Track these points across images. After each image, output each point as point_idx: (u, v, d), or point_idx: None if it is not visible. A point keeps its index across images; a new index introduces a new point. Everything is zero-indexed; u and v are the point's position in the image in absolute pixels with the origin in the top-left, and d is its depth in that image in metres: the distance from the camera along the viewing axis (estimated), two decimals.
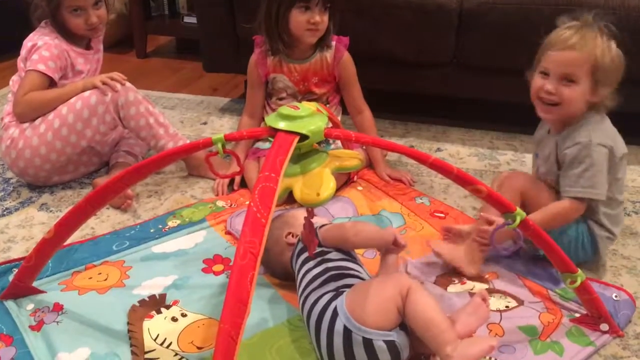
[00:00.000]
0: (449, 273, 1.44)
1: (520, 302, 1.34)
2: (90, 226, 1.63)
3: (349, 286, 1.15)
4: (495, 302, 1.33)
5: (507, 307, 1.32)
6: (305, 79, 1.82)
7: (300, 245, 1.28)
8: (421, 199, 1.75)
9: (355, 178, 1.85)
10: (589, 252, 1.42)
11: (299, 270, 1.24)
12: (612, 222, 1.42)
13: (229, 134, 1.08)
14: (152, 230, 1.59)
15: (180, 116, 2.37)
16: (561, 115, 1.37)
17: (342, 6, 1.81)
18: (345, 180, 1.81)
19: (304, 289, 1.19)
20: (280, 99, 1.86)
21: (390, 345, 1.07)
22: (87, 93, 1.74)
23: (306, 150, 1.09)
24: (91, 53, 1.91)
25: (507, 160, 2.03)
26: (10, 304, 1.31)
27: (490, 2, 1.97)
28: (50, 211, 1.72)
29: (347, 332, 1.07)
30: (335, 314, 1.09)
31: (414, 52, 2.08)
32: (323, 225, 1.29)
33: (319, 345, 1.12)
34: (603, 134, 1.35)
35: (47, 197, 1.79)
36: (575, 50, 1.31)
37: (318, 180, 1.06)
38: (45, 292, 1.34)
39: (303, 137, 1.05)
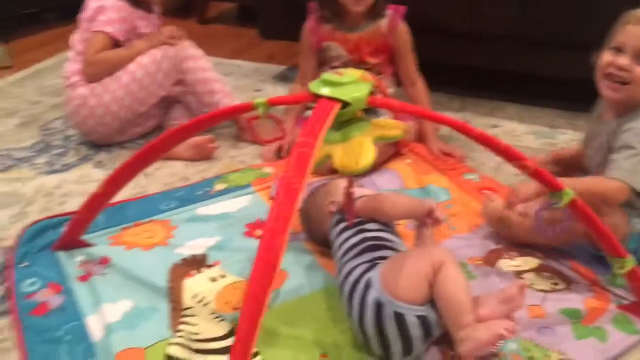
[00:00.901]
0: (498, 248, 1.40)
1: (568, 284, 1.29)
2: (141, 185, 1.68)
3: (384, 258, 1.14)
4: (542, 282, 1.29)
5: (552, 288, 1.28)
6: (358, 48, 1.79)
7: (338, 215, 1.28)
8: (471, 174, 1.71)
9: (404, 151, 1.82)
10: None
11: (336, 239, 1.23)
12: None
13: (272, 98, 1.08)
14: (198, 193, 1.62)
15: (235, 83, 2.39)
16: (629, 96, 1.26)
17: None
18: (393, 152, 1.79)
19: (340, 258, 1.19)
20: (333, 67, 1.83)
21: (423, 320, 1.05)
22: (153, 50, 1.82)
23: (348, 118, 1.08)
24: (153, 17, 1.94)
25: (566, 140, 1.95)
26: (61, 255, 1.37)
27: None
28: (106, 169, 1.77)
29: (378, 305, 1.06)
30: (368, 285, 1.08)
31: (472, 23, 2.01)
32: (362, 197, 1.27)
33: (351, 315, 1.12)
34: None
35: (103, 156, 1.85)
36: None
37: (358, 149, 1.05)
38: (95, 245, 1.40)
39: (345, 104, 1.04)
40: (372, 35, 1.77)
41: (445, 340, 1.10)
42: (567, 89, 2.09)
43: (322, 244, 1.36)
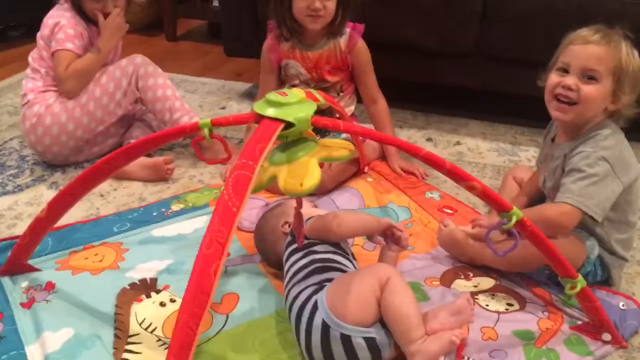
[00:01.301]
0: (455, 268, 1.39)
1: (523, 305, 1.28)
2: (96, 206, 1.65)
3: (332, 280, 1.12)
4: (496, 304, 1.28)
5: (506, 309, 1.27)
6: (317, 67, 1.78)
7: (290, 237, 1.25)
8: (432, 193, 1.70)
9: (366, 169, 1.80)
10: (601, 279, 1.33)
11: (286, 261, 1.21)
12: (625, 246, 1.32)
13: (215, 118, 1.06)
14: (154, 214, 1.59)
15: (200, 100, 2.37)
16: (577, 116, 1.25)
17: None
18: (355, 170, 1.77)
19: (288, 282, 1.16)
20: (293, 85, 1.82)
21: (370, 342, 1.03)
22: (110, 68, 1.81)
23: (294, 139, 1.06)
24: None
25: (528, 157, 1.95)
26: (6, 281, 1.32)
27: None
28: (59, 190, 1.73)
29: (325, 328, 1.03)
30: (315, 308, 1.06)
31: (436, 41, 2.02)
32: (312, 217, 1.25)
33: (298, 340, 1.10)
34: (611, 148, 1.23)
35: (58, 176, 1.81)
36: (600, 45, 1.21)
37: (303, 170, 1.02)
38: (41, 270, 1.35)
39: (289, 125, 1.02)
40: (330, 53, 1.76)
41: None
42: (529, 106, 2.08)
43: (276, 265, 1.34)
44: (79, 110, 1.78)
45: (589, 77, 1.22)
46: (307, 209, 1.27)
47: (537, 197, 1.45)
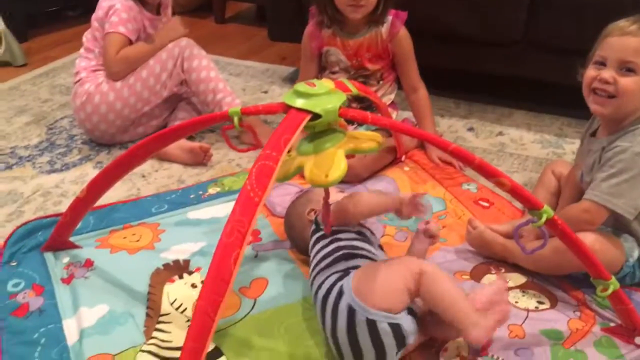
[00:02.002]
0: (487, 263, 1.37)
1: (554, 303, 1.25)
2: (137, 187, 1.70)
3: (358, 267, 1.12)
4: (526, 301, 1.26)
5: (536, 307, 1.24)
6: (358, 54, 1.76)
7: (315, 225, 1.26)
8: (468, 185, 1.67)
9: (403, 158, 1.79)
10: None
11: (312, 249, 1.22)
12: None
13: (245, 107, 1.07)
14: (191, 196, 1.63)
15: (244, 84, 2.39)
16: (616, 109, 1.21)
17: None
18: (391, 159, 1.76)
19: (314, 268, 1.17)
20: (333, 72, 1.82)
21: (395, 328, 1.03)
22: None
23: (321, 129, 1.06)
24: (159, 18, 1.95)
25: (573, 150, 1.88)
26: (48, 256, 1.39)
27: None
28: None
29: (351, 312, 1.04)
30: (340, 293, 1.06)
31: (480, 29, 1.97)
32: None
33: (324, 324, 1.11)
34: None
35: (103, 156, 1.87)
36: (638, 36, 1.17)
37: (329, 161, 1.03)
38: (81, 247, 1.41)
39: (316, 116, 1.02)
40: (371, 41, 1.75)
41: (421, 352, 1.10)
42: (577, 96, 2.02)
43: (304, 252, 1.35)
44: (126, 90, 1.83)
45: (627, 69, 1.19)
46: (334, 195, 1.28)
47: (577, 194, 1.41)
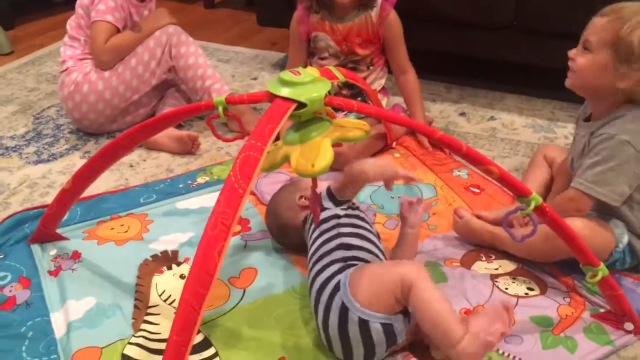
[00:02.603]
0: (477, 250, 1.37)
1: (544, 290, 1.25)
2: (125, 177, 1.68)
3: (357, 258, 1.12)
4: (516, 287, 1.26)
5: (526, 293, 1.24)
6: (347, 39, 1.74)
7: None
8: (459, 171, 1.66)
9: (394, 145, 1.78)
10: (629, 266, 1.28)
11: (310, 235, 1.21)
12: None
13: (230, 96, 1.05)
14: (180, 186, 1.61)
15: (233, 70, 2.37)
16: (574, 83, 1.26)
17: None
18: (382, 146, 1.75)
19: (314, 252, 1.17)
20: (322, 58, 1.80)
21: (387, 327, 1.03)
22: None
23: (307, 118, 1.05)
24: (144, 5, 1.92)
25: (565, 134, 1.88)
26: (35, 248, 1.37)
27: None
28: None
29: (344, 309, 1.04)
30: (336, 288, 1.06)
31: (471, 12, 1.95)
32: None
33: (316, 314, 1.10)
34: (637, 132, 1.18)
35: (91, 146, 1.85)
36: (604, 17, 1.18)
37: (315, 151, 1.01)
38: (69, 239, 1.40)
39: (301, 105, 1.01)
40: (361, 25, 1.72)
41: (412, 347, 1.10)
42: None
43: (294, 245, 1.33)
44: (115, 79, 1.81)
45: (585, 47, 1.21)
46: (321, 185, 1.26)
47: (569, 181, 1.40)
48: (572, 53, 1.24)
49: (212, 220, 0.85)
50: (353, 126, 1.09)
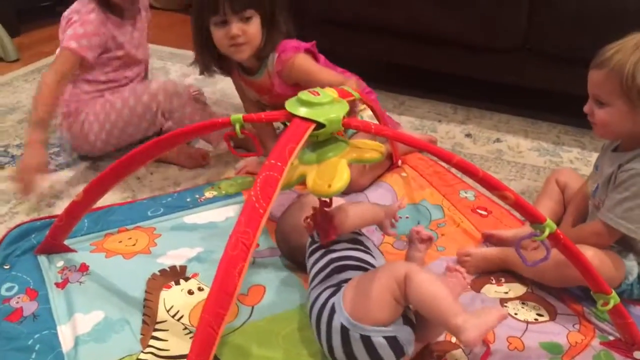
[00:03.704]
0: (486, 273, 1.37)
1: (553, 316, 1.25)
2: (132, 189, 1.68)
3: (349, 279, 1.11)
4: (526, 313, 1.25)
5: (536, 319, 1.24)
6: (264, 91, 1.68)
7: (310, 237, 1.25)
8: (466, 192, 1.67)
9: (400, 163, 1.78)
10: (637, 297, 1.28)
11: (307, 262, 1.22)
12: None
13: (247, 115, 1.06)
14: (188, 200, 1.61)
15: None
16: (604, 136, 1.27)
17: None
18: (389, 165, 1.75)
19: (310, 282, 1.17)
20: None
21: (391, 340, 1.02)
22: (132, 102, 1.73)
23: (324, 138, 1.05)
24: (126, 23, 1.77)
25: (570, 158, 1.89)
26: (42, 259, 1.36)
27: None
28: (99, 170, 1.76)
29: (344, 330, 1.03)
30: (333, 311, 1.05)
31: (480, 35, 1.97)
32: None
33: (320, 341, 1.09)
34: None
35: (98, 156, 1.84)
36: (602, 68, 1.17)
37: (332, 171, 1.01)
38: (76, 251, 1.39)
39: (320, 125, 1.01)
40: (267, 78, 1.64)
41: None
42: (575, 103, 2.02)
43: (301, 264, 1.32)
44: (109, 125, 1.73)
45: (599, 102, 1.21)
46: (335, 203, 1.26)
47: (585, 209, 1.39)
48: (587, 109, 1.24)
49: (233, 240, 0.85)
50: (369, 147, 1.09)
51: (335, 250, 1.17)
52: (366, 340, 1.02)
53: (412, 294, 1.01)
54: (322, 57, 1.70)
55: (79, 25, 1.64)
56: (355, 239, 1.22)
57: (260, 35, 1.56)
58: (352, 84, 1.55)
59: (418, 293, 1.01)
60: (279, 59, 1.60)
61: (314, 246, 1.21)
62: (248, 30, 1.53)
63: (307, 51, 1.63)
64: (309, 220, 1.26)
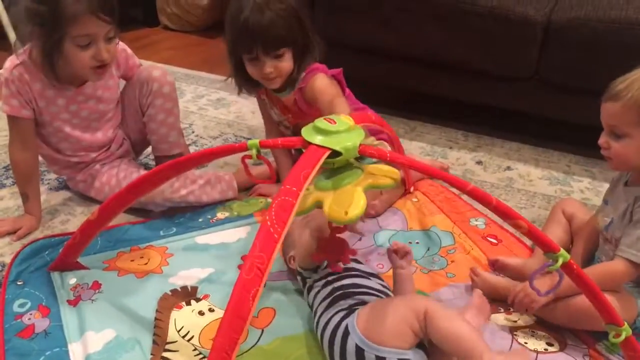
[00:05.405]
0: (495, 301, 1.37)
1: (563, 346, 1.25)
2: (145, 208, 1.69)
3: (361, 303, 1.12)
4: (535, 342, 1.25)
5: (546, 349, 1.24)
6: (288, 110, 1.71)
7: (299, 275, 1.29)
8: (477, 220, 1.67)
9: (411, 189, 1.79)
10: None
11: (307, 296, 1.25)
12: None
13: (264, 140, 1.07)
14: (200, 220, 1.62)
15: (253, 106, 2.37)
16: (619, 168, 1.28)
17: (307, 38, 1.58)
18: (402, 191, 1.76)
19: (315, 311, 1.19)
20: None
21: None
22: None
23: (340, 165, 1.06)
24: (71, 90, 1.56)
25: (581, 188, 1.90)
26: (55, 276, 1.38)
27: (582, 18, 1.84)
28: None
29: (359, 351, 1.04)
30: (346, 332, 1.06)
31: (492, 64, 1.99)
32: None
33: None
34: None
35: None
36: (618, 100, 1.18)
37: (349, 198, 1.02)
38: (89, 268, 1.40)
39: (337, 153, 1.03)
40: (293, 96, 1.66)
41: None
42: (586, 134, 2.03)
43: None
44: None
45: (615, 134, 1.22)
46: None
47: (595, 241, 1.39)
48: (602, 141, 1.24)
49: (248, 265, 0.86)
50: (384, 174, 1.10)
51: (334, 281, 1.20)
52: None
53: (433, 332, 1.03)
54: (348, 90, 1.72)
55: (4, 86, 1.50)
56: (352, 267, 1.24)
57: (292, 64, 1.59)
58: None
59: (440, 332, 1.03)
60: (305, 77, 1.62)
61: (309, 283, 1.25)
62: (280, 66, 1.55)
63: (334, 77, 1.66)
64: (293, 258, 1.28)
